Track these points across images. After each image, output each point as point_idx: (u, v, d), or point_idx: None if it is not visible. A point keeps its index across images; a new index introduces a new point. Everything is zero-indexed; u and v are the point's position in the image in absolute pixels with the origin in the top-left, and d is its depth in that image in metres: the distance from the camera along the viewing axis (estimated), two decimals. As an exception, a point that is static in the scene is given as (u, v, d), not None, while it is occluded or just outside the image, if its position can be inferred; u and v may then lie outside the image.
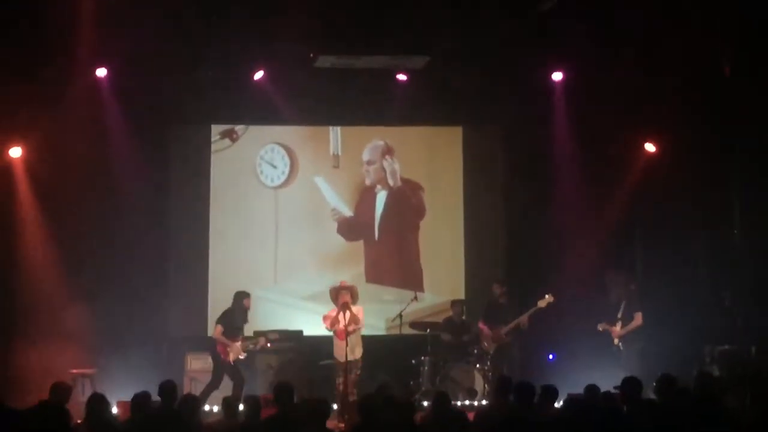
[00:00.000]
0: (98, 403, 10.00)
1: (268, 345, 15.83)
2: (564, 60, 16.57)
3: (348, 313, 14.87)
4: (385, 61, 16.49)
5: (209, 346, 15.64)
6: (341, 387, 14.67)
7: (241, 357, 15.45)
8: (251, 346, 15.58)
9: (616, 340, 15.50)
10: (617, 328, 15.49)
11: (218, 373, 15.36)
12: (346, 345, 14.63)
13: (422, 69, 16.67)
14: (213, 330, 15.58)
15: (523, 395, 10.04)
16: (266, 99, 16.82)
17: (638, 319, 15.44)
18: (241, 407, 10.91)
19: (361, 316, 15.05)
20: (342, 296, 14.99)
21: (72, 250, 16.23)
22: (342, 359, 14.76)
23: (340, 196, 17.95)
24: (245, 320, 15.67)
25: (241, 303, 15.61)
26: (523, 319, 15.96)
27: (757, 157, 15.71)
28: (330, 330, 15.05)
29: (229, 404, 10.69)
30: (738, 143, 16.06)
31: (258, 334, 16.08)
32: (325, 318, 15.11)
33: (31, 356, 15.55)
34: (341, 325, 14.86)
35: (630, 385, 10.10)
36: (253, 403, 10.28)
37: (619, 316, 15.57)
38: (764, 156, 15.56)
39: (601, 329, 15.60)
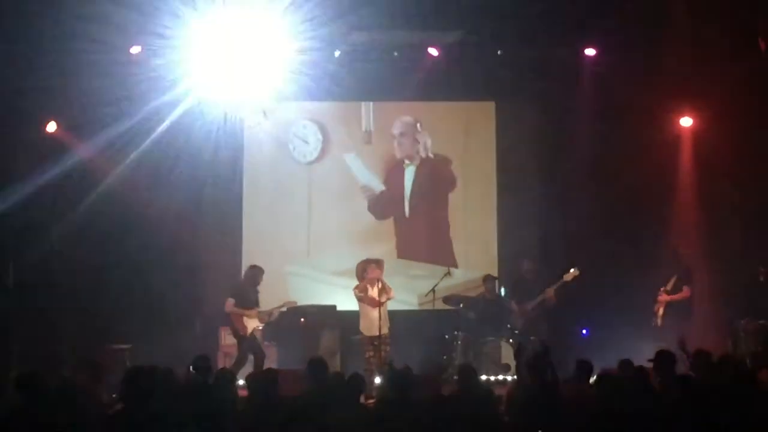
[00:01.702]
0: (138, 376, 10.00)
1: (284, 309, 15.82)
2: (598, 35, 16.44)
3: (379, 285, 14.87)
4: (418, 36, 16.44)
5: (227, 321, 15.59)
6: (372, 361, 14.69)
7: (259, 327, 15.48)
8: (267, 317, 15.55)
9: (660, 310, 15.53)
10: (664, 297, 15.56)
11: (242, 348, 15.35)
12: (380, 318, 14.66)
13: (455, 44, 16.60)
14: (226, 304, 15.42)
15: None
16: (299, 75, 16.79)
17: (686, 291, 15.49)
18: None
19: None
20: (371, 270, 14.97)
21: (104, 226, 16.33)
22: (369, 333, 14.80)
23: (371, 172, 17.96)
24: (256, 295, 15.56)
25: (254, 278, 15.52)
26: (549, 292, 15.99)
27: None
28: (359, 296, 15.00)
29: (252, 380, 10.54)
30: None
31: (292, 309, 16.12)
32: (355, 293, 15.10)
33: (68, 331, 15.68)
34: (373, 296, 14.85)
35: (663, 358, 10.09)
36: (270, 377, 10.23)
37: (669, 288, 15.59)
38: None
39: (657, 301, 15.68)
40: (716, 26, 15.31)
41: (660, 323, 15.52)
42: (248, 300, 15.37)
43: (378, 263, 15.14)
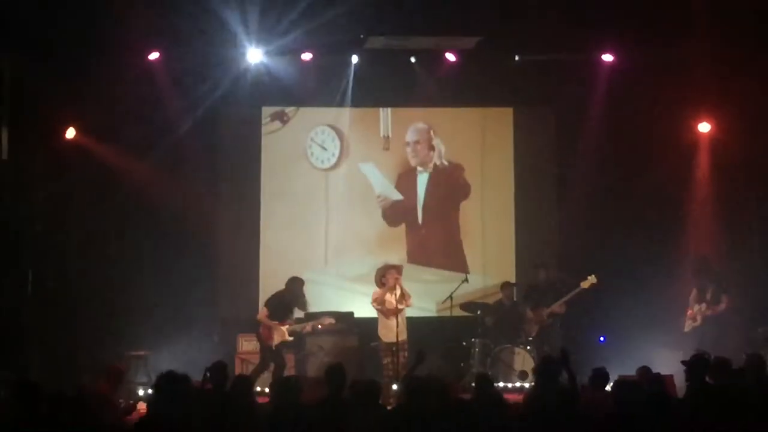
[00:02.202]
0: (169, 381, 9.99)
1: (319, 327, 15.79)
2: (615, 41, 16.40)
3: (398, 291, 14.85)
4: (435, 42, 16.44)
5: (256, 328, 15.57)
6: (390, 368, 14.66)
7: (289, 339, 15.36)
8: (298, 330, 15.50)
9: (698, 319, 15.55)
10: (702, 307, 15.56)
11: (264, 356, 15.35)
12: (397, 325, 14.65)
13: (472, 49, 16.59)
14: (259, 312, 15.51)
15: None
16: (315, 81, 16.83)
17: (725, 301, 15.47)
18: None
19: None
20: (390, 275, 14.96)
21: (123, 232, 16.38)
22: (387, 339, 14.78)
23: (387, 180, 17.94)
24: (300, 305, 15.58)
25: (296, 289, 15.47)
26: (560, 304, 15.97)
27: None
28: (378, 308, 15.01)
29: (276, 387, 10.50)
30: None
31: (310, 316, 16.13)
32: (374, 300, 15.08)
33: (87, 338, 15.72)
34: (391, 304, 14.84)
35: (696, 363, 10.02)
36: (293, 384, 10.23)
37: (708, 297, 15.57)
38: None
39: (690, 312, 15.67)
40: (736, 32, 15.25)
41: (691, 330, 15.49)
42: (282, 312, 15.36)
43: (397, 268, 15.14)
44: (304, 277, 16.60)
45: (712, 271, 15.81)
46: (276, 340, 15.24)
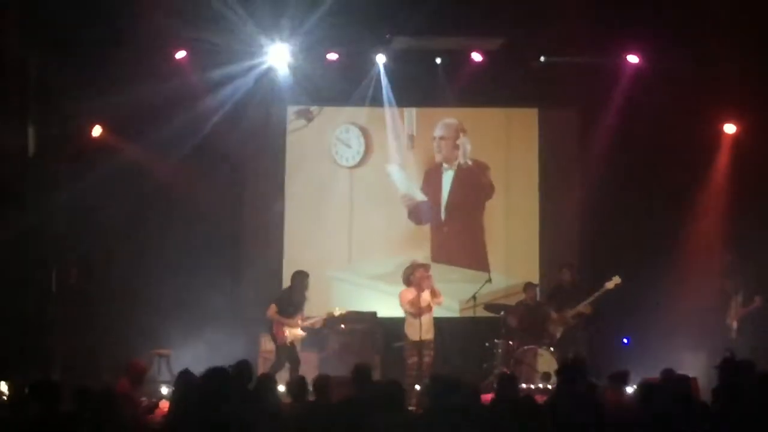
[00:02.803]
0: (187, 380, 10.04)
1: (334, 315, 15.75)
2: (640, 42, 16.35)
3: (428, 290, 14.92)
4: (460, 42, 16.44)
5: (267, 326, 15.66)
6: (415, 368, 14.65)
7: (300, 334, 15.42)
8: (309, 324, 15.52)
9: (734, 323, 15.60)
10: (737, 309, 15.68)
11: (279, 354, 15.38)
12: (421, 325, 14.66)
13: (498, 50, 16.57)
14: (269, 310, 15.48)
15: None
16: (341, 80, 16.85)
17: (758, 301, 15.54)
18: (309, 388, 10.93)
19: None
20: (419, 273, 14.96)
21: (148, 231, 16.45)
22: (414, 338, 14.77)
23: (411, 180, 17.95)
24: (304, 299, 15.60)
25: (301, 283, 15.53)
26: (585, 305, 15.94)
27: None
28: (410, 311, 14.97)
29: (295, 386, 10.48)
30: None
31: (333, 315, 16.18)
32: (403, 299, 15.04)
33: (110, 336, 15.78)
34: (419, 302, 14.85)
35: (728, 366, 9.98)
36: (321, 382, 10.26)
37: (740, 300, 15.59)
38: None
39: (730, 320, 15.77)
40: (762, 33, 15.20)
41: (735, 336, 15.47)
42: (292, 307, 15.41)
43: (425, 267, 15.19)
44: (327, 275, 16.82)
45: (743, 273, 15.84)
46: (289, 336, 15.31)
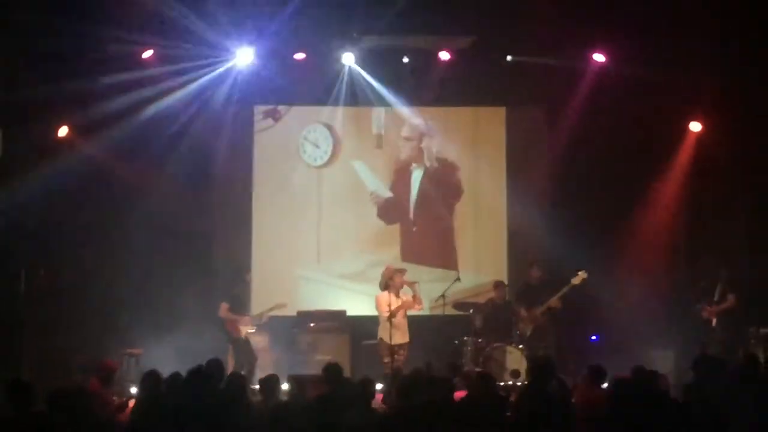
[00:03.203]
0: (152, 380, 10.07)
1: (277, 309, 16.05)
2: (607, 41, 16.42)
3: (410, 293, 15.05)
4: (428, 41, 16.46)
5: (219, 326, 15.75)
6: (389, 367, 14.64)
7: (251, 330, 15.71)
8: (257, 318, 15.90)
9: (713, 321, 15.65)
10: (713, 308, 15.69)
11: (236, 352, 15.55)
12: (395, 329, 14.69)
13: (466, 49, 16.61)
14: (220, 309, 15.66)
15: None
16: (309, 80, 16.85)
17: (731, 301, 15.58)
18: (284, 387, 10.94)
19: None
20: (399, 279, 15.01)
21: (117, 231, 16.38)
22: (389, 341, 14.73)
23: (379, 178, 17.96)
24: (249, 295, 16.01)
25: (243, 277, 15.91)
26: (555, 299, 16.01)
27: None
28: (386, 315, 14.86)
29: (267, 384, 10.48)
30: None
31: (302, 314, 16.25)
32: (381, 303, 15.01)
33: (79, 336, 15.70)
34: (397, 306, 14.88)
35: (702, 363, 10.06)
36: (297, 382, 10.32)
37: (716, 298, 15.69)
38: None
39: (703, 312, 15.77)
40: (730, 31, 15.31)
41: (715, 328, 15.60)
42: (242, 304, 15.75)
43: (402, 272, 15.21)
44: (296, 274, 16.84)
45: (720, 272, 15.91)
46: (242, 332, 15.55)
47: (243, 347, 15.49)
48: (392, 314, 14.79)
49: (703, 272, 16.17)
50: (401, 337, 14.85)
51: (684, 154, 17.11)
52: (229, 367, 15.25)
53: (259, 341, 16.07)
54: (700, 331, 15.69)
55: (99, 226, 16.40)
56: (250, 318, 15.81)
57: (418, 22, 15.58)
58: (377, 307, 15.00)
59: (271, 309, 16.09)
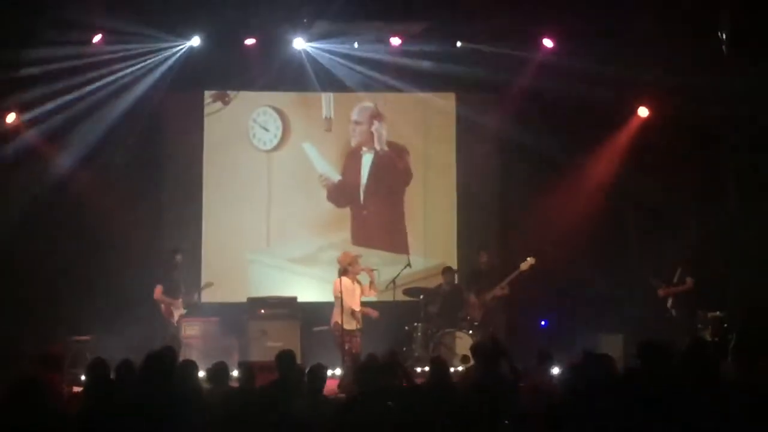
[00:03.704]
0: (99, 368, 10.00)
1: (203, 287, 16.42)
2: (556, 25, 16.47)
3: (366, 281, 15.05)
4: (380, 27, 16.43)
5: (155, 309, 15.83)
6: (348, 353, 14.60)
7: (184, 311, 15.89)
8: (188, 302, 16.04)
9: (669, 301, 15.75)
10: (670, 288, 15.77)
11: (173, 334, 15.61)
12: (348, 314, 14.64)
13: (416, 35, 16.60)
14: (155, 292, 15.80)
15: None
16: (259, 65, 16.77)
17: (689, 284, 15.65)
18: (234, 374, 10.91)
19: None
20: (356, 265, 14.93)
21: (65, 215, 16.23)
22: (349, 327, 14.57)
23: (329, 161, 17.94)
24: (181, 277, 16.01)
25: (173, 260, 15.95)
26: (503, 285, 16.09)
27: (752, 123, 15.80)
28: (342, 299, 14.63)
29: (216, 372, 10.43)
30: (733, 110, 16.09)
31: (252, 300, 16.23)
32: (342, 289, 14.64)
33: (28, 325, 15.55)
34: (356, 294, 14.83)
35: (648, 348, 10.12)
36: (247, 369, 10.29)
37: (675, 280, 15.76)
38: (761, 122, 15.63)
39: (655, 285, 15.87)
40: (677, 16, 15.41)
41: (674, 314, 15.69)
42: (176, 287, 15.88)
43: (357, 259, 15.17)
44: (246, 258, 16.84)
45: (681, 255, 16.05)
46: (176, 316, 15.76)
47: (172, 332, 15.62)
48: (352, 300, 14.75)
49: (659, 253, 16.30)
50: (356, 323, 14.79)
51: (626, 136, 17.18)
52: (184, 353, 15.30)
53: (209, 327, 16.05)
54: (653, 315, 15.82)
55: (46, 211, 16.17)
56: (182, 301, 15.91)
57: (369, 8, 15.52)
58: (334, 292, 14.86)
59: (201, 288, 16.37)
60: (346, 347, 14.45)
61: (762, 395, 8.66)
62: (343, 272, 14.75)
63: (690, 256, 15.94)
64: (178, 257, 16.07)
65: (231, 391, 10.04)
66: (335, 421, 8.79)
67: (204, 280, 16.93)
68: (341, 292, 14.47)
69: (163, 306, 15.73)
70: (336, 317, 14.69)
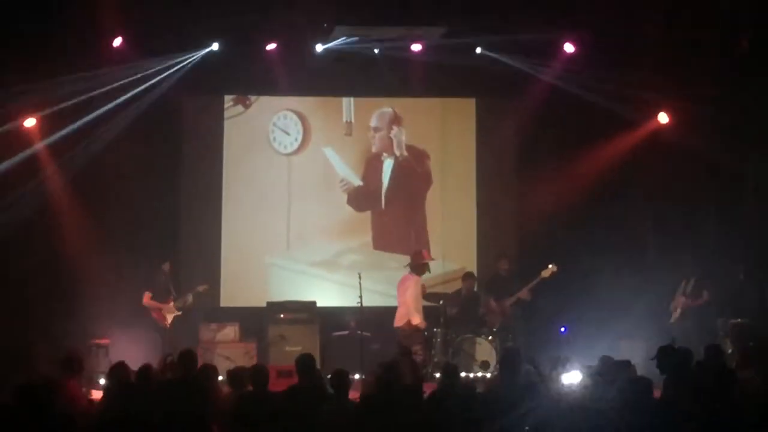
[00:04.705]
0: (122, 372, 10.03)
1: (200, 290, 16.32)
2: (577, 31, 16.43)
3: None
4: (400, 32, 16.43)
5: (146, 316, 15.93)
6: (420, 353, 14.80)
7: (178, 313, 15.99)
8: (181, 303, 16.07)
9: (677, 311, 15.79)
10: (683, 300, 15.82)
11: (165, 341, 15.69)
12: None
13: (437, 40, 16.59)
14: (143, 299, 15.91)
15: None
16: (280, 70, 16.78)
17: (706, 296, 15.70)
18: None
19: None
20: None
21: (84, 219, 16.26)
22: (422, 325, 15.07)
23: (349, 166, 17.93)
24: (170, 282, 16.08)
25: (159, 268, 16.03)
26: (524, 291, 16.08)
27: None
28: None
29: (235, 376, 10.44)
30: (754, 118, 16.05)
31: (272, 305, 16.23)
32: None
33: (47, 328, 15.57)
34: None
35: (665, 354, 10.10)
36: (259, 372, 10.29)
37: (686, 291, 15.78)
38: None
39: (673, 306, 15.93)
40: (697, 23, 15.39)
41: (674, 322, 15.70)
42: (165, 292, 15.95)
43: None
44: (266, 262, 16.89)
45: (697, 266, 16.04)
46: (168, 319, 15.82)
47: (168, 336, 15.69)
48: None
49: (674, 266, 16.27)
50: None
51: (646, 142, 17.11)
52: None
53: (229, 332, 16.07)
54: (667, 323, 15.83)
55: (66, 214, 16.21)
56: (174, 304, 15.97)
57: (390, 13, 15.53)
58: (423, 291, 15.34)
59: (196, 290, 16.30)
60: (414, 348, 14.58)
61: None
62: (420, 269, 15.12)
63: (703, 270, 15.92)
64: (165, 266, 16.10)
65: (247, 395, 10.05)
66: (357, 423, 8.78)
67: (223, 283, 16.94)
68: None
69: (152, 312, 15.83)
70: (416, 319, 15.05)
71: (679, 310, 15.80)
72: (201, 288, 16.38)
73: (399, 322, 15.17)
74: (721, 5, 15.16)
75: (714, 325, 15.41)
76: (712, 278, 15.93)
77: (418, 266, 15.32)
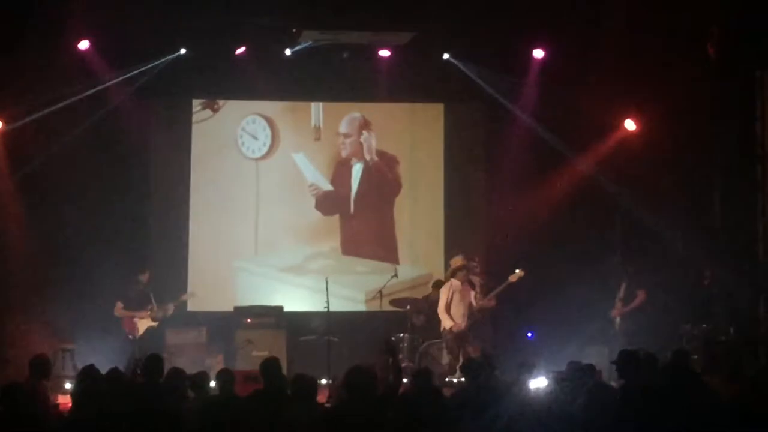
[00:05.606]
0: (91, 376, 9.98)
1: (183, 298, 16.44)
2: (546, 37, 16.50)
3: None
4: (368, 37, 16.45)
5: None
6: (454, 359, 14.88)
7: (154, 324, 15.95)
8: (161, 314, 16.02)
9: (617, 319, 15.77)
10: (618, 307, 15.80)
11: (132, 349, 15.54)
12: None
13: (405, 46, 16.62)
14: (116, 309, 15.91)
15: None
16: (248, 74, 16.75)
17: (641, 296, 15.71)
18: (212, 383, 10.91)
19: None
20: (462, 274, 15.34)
21: (52, 222, 16.17)
22: (457, 330, 15.08)
23: (319, 171, 17.91)
24: (146, 292, 16.03)
25: (137, 278, 16.03)
26: (492, 295, 16.10)
27: (738, 137, 15.86)
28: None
29: (200, 380, 10.43)
30: (720, 124, 16.15)
31: (239, 309, 16.20)
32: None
33: (13, 332, 15.49)
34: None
35: (626, 359, 10.15)
36: (224, 376, 10.27)
37: (621, 296, 15.81)
38: (745, 137, 15.68)
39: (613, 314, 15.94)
40: (664, 29, 15.47)
41: (617, 330, 15.73)
42: (135, 301, 15.91)
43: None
44: (233, 266, 16.79)
45: (623, 271, 16.08)
46: (141, 329, 15.81)
47: (140, 344, 15.58)
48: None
49: (607, 271, 16.45)
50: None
51: (612, 147, 17.16)
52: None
53: (196, 337, 16.03)
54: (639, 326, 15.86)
55: (32, 218, 16.09)
56: (150, 312, 15.94)
57: (358, 18, 15.54)
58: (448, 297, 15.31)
59: (177, 300, 16.30)
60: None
61: (743, 405, 8.73)
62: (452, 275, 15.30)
63: (635, 269, 16.05)
64: (143, 276, 16.10)
65: (212, 399, 10.03)
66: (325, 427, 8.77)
67: (190, 288, 16.90)
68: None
69: (124, 321, 15.82)
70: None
71: (618, 318, 15.84)
72: (184, 296, 16.46)
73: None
74: (688, 11, 15.21)
75: (680, 331, 15.46)
76: (677, 284, 16.04)
77: (451, 272, 15.35)
